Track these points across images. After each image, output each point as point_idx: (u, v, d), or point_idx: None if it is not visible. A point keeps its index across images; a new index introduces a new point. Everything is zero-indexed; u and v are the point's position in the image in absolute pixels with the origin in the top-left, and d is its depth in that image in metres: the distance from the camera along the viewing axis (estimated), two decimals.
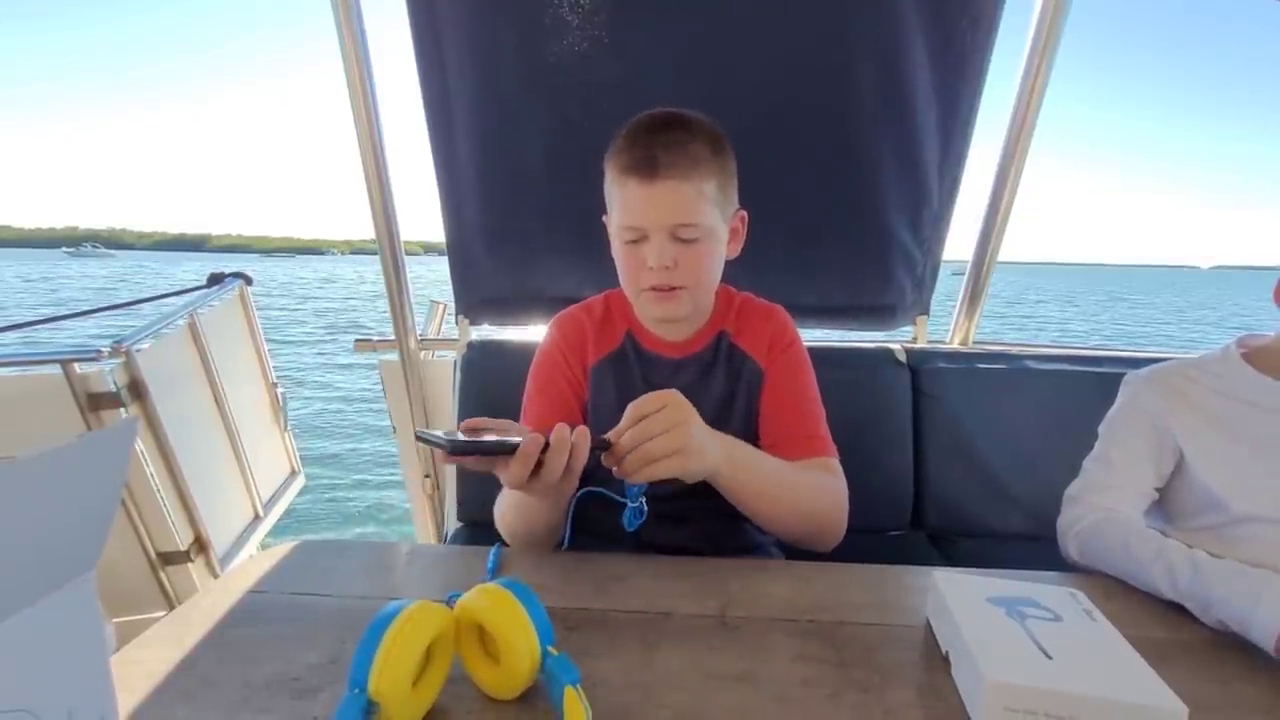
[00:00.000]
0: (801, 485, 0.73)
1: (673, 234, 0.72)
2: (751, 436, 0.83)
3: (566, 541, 0.74)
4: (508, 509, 0.73)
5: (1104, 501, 0.77)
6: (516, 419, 1.20)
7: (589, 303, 0.89)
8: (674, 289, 0.75)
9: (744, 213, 0.81)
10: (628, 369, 0.84)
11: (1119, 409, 0.85)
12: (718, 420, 0.81)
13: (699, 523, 0.84)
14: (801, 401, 0.81)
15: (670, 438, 0.59)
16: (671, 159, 0.70)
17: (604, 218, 0.81)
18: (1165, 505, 0.82)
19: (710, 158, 0.72)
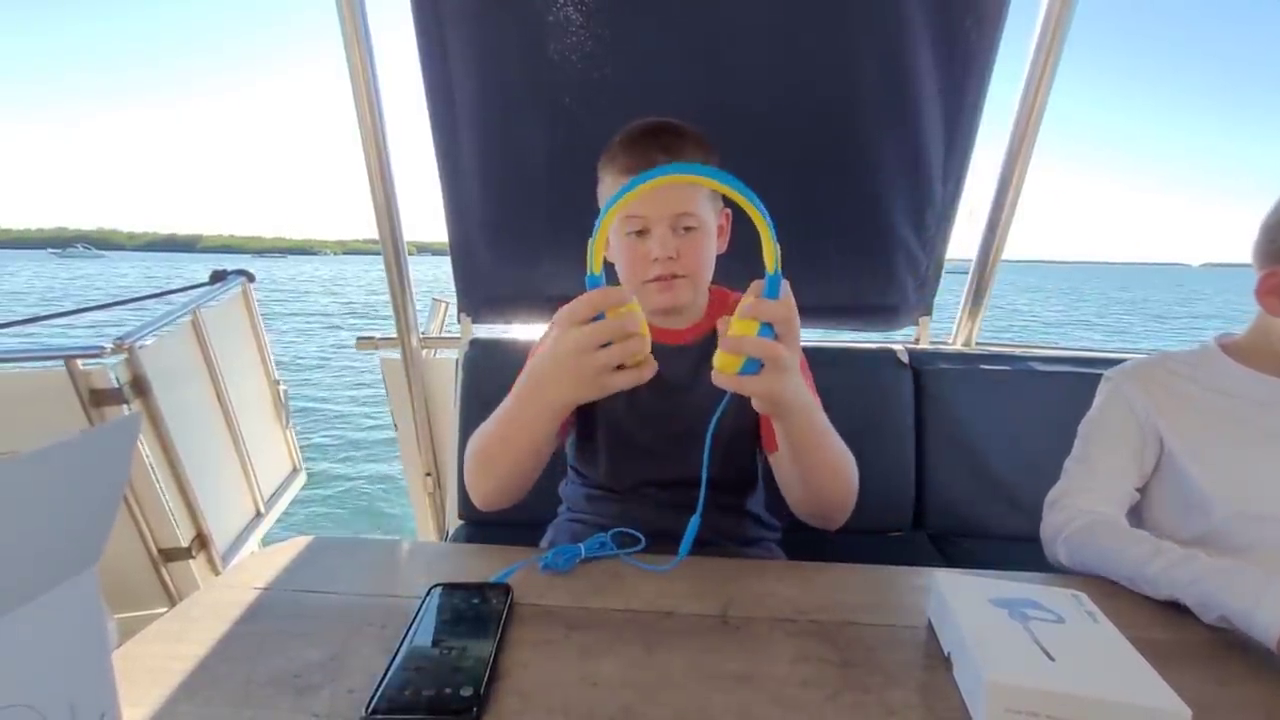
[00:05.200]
0: (841, 448, 0.70)
1: (674, 225, 0.76)
2: (743, 425, 0.85)
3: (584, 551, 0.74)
4: (499, 433, 0.68)
5: (1087, 504, 0.77)
6: None
7: None
8: (675, 278, 0.78)
9: (728, 210, 0.85)
10: None
11: (1100, 407, 0.85)
12: (708, 410, 0.83)
13: (702, 514, 0.85)
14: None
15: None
16: (668, 158, 0.73)
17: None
18: (1150, 515, 0.81)
19: (703, 160, 0.76)
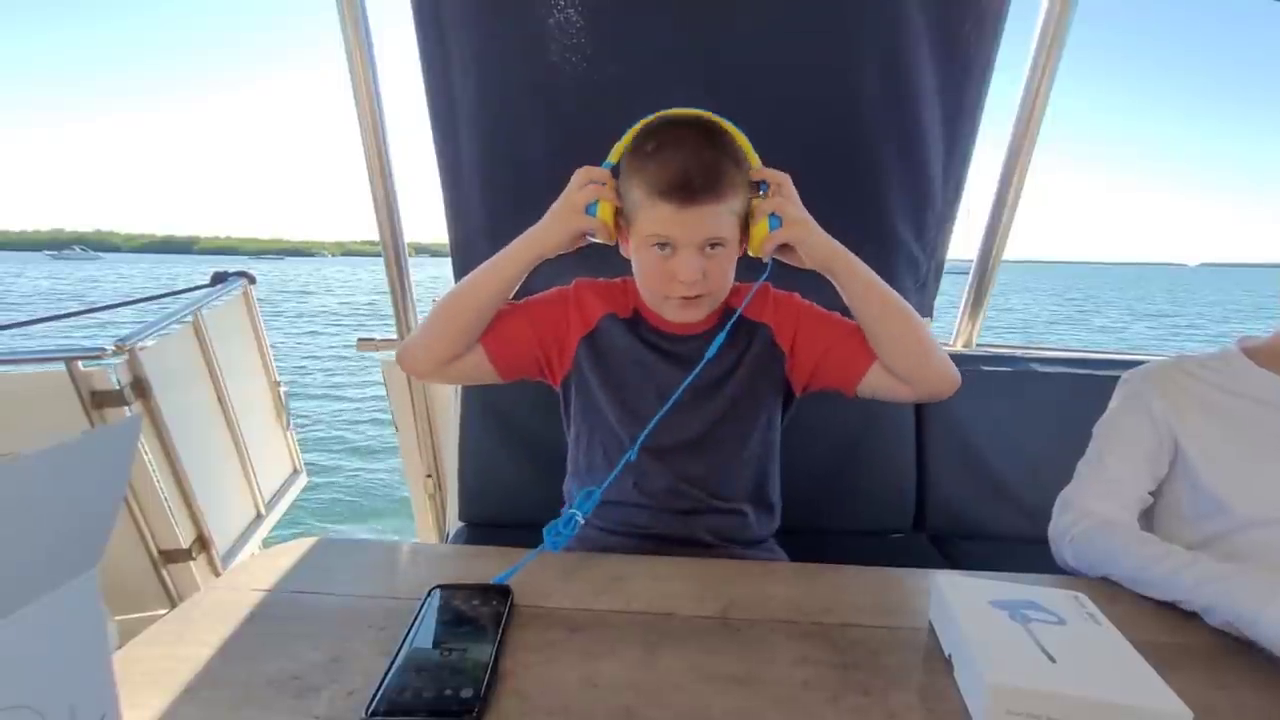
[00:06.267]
0: (895, 294, 0.80)
1: (701, 247, 0.75)
2: (757, 395, 0.87)
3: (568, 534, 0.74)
4: (481, 271, 0.83)
5: (1099, 507, 0.77)
6: (517, 417, 1.20)
7: (609, 281, 0.93)
8: (699, 297, 0.78)
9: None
10: (635, 330, 0.88)
11: (1116, 410, 0.84)
12: (716, 385, 0.85)
13: (705, 515, 0.85)
14: (833, 320, 0.87)
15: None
16: (704, 182, 0.71)
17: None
18: (1164, 518, 0.81)
19: (738, 179, 0.75)
